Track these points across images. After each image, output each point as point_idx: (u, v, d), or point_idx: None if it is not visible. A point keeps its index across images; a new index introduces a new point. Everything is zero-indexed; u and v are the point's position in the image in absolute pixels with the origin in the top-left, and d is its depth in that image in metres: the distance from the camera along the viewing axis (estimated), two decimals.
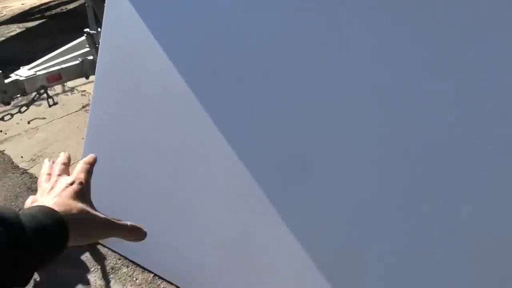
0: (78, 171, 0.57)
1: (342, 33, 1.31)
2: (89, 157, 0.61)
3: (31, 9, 6.77)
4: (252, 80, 1.49)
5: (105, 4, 1.82)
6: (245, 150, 1.50)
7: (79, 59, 2.35)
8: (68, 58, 2.39)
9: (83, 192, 0.53)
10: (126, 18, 1.75)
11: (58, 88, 3.51)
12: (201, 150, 1.59)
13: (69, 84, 3.51)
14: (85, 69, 2.37)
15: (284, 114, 1.42)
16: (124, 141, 1.80)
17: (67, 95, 3.50)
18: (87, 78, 2.46)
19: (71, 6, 6.61)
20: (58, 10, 6.53)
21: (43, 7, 6.79)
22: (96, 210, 0.53)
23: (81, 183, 0.54)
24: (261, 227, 1.47)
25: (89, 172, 0.58)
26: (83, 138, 2.01)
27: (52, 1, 7.02)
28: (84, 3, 2.43)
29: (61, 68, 2.28)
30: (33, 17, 6.26)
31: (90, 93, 3.33)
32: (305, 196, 1.38)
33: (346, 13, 1.31)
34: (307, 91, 1.38)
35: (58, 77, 2.27)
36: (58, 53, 2.46)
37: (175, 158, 1.66)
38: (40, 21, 5.97)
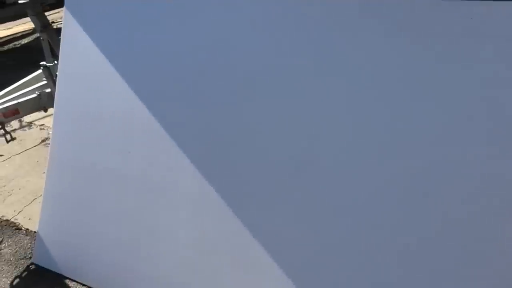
0: None
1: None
2: None
3: None
4: (228, 101, 1.54)
5: (61, 36, 1.83)
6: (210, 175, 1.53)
7: (37, 92, 2.32)
8: (25, 92, 2.35)
9: None
10: (82, 48, 1.77)
11: (14, 123, 3.41)
12: (167, 174, 1.61)
13: (27, 119, 3.42)
14: (43, 102, 2.34)
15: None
16: (87, 170, 1.79)
17: (25, 130, 3.40)
18: (45, 111, 2.43)
19: (25, 40, 6.48)
20: (11, 45, 6.38)
21: None
22: None
23: None
24: (230, 244, 1.50)
25: None
26: (44, 172, 1.97)
27: (4, 37, 6.86)
28: (39, 37, 2.42)
29: (18, 103, 2.23)
30: None
31: (49, 127, 3.25)
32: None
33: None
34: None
35: (15, 111, 2.22)
36: (14, 88, 2.41)
37: (139, 184, 1.67)
38: None
